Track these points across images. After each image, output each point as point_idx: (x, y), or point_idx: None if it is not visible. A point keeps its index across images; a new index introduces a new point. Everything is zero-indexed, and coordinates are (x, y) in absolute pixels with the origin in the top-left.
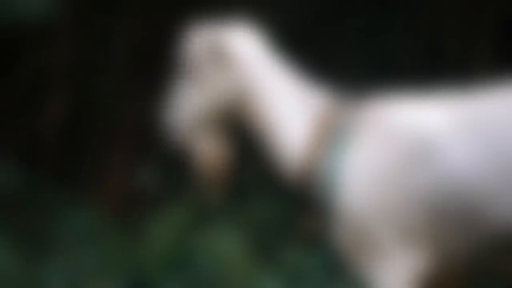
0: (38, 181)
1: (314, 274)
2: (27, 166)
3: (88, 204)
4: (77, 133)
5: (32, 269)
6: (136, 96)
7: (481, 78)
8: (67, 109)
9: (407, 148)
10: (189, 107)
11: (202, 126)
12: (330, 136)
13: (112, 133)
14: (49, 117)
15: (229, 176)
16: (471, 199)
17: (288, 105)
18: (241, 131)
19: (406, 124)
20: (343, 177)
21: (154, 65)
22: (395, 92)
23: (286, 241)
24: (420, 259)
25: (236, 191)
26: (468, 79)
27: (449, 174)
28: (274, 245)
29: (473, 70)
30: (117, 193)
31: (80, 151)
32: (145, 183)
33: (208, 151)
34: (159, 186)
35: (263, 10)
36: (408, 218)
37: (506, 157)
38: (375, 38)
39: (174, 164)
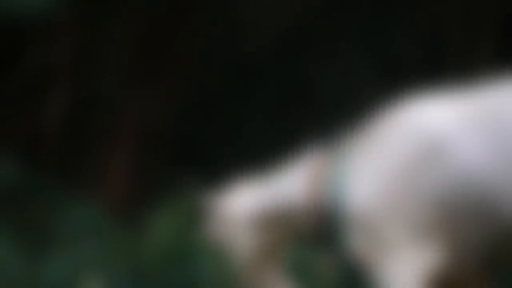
0: (39, 177)
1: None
2: (28, 162)
3: (89, 199)
4: (78, 129)
5: (33, 264)
6: (137, 92)
7: (484, 74)
8: (69, 106)
9: (418, 146)
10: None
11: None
12: (329, 163)
13: (113, 129)
14: (51, 113)
15: None
16: (484, 194)
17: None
18: None
19: (416, 122)
20: (353, 182)
21: (156, 61)
22: (402, 92)
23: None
24: (434, 256)
25: None
26: (471, 76)
27: (461, 170)
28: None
29: (476, 67)
30: (118, 189)
31: (82, 147)
32: None
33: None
34: None
35: None
36: (421, 216)
37: None
38: (378, 39)
39: None
